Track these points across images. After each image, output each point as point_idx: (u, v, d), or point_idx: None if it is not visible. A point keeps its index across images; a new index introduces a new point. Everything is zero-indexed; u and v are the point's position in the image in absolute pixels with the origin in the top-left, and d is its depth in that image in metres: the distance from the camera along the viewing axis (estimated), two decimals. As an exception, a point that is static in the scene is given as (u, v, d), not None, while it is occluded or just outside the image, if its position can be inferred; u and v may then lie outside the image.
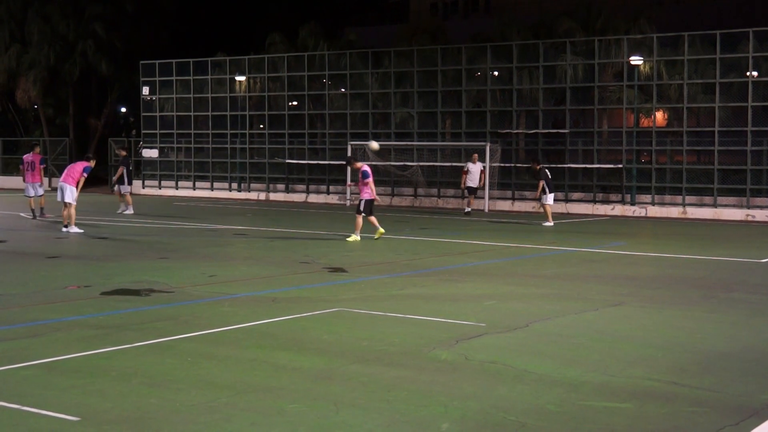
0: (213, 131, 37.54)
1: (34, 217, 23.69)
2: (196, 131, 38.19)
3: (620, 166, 29.66)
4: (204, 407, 6.41)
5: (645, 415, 6.39)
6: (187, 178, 38.46)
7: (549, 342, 8.79)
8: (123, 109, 56.70)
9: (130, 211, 25.84)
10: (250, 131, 36.85)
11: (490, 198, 30.24)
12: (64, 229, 19.87)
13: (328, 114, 35.01)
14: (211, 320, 9.72)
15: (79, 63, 45.81)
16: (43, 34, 45.87)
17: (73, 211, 19.93)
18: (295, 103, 37.22)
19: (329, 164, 34.38)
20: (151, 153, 39.18)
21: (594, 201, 30.06)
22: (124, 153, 28.13)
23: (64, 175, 20.41)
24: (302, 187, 35.58)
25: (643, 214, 28.73)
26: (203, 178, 38.13)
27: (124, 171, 26.49)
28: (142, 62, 39.59)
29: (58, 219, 21.43)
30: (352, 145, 32.01)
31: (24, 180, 24.45)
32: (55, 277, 13.01)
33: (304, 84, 35.70)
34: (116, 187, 26.89)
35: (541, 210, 25.28)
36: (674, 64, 29.69)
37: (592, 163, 30.23)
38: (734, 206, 27.98)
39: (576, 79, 30.73)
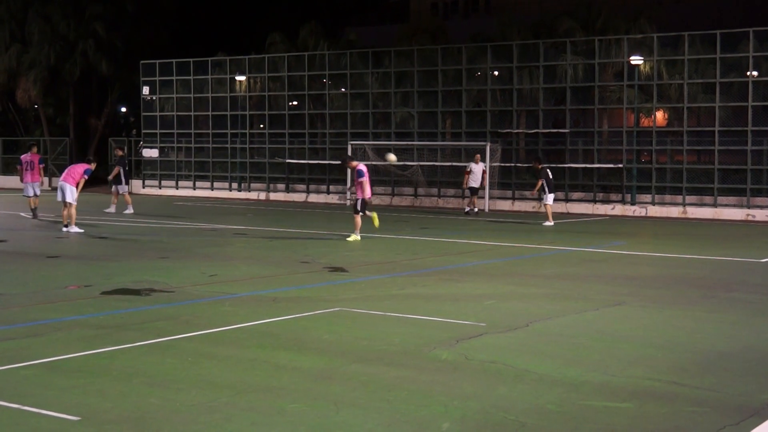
0: (213, 131, 37.52)
1: (34, 216, 23.69)
2: (196, 131, 38.17)
3: (620, 165, 29.65)
4: (204, 407, 6.41)
5: (645, 414, 6.40)
6: (187, 177, 38.45)
7: (549, 342, 8.79)
8: (123, 109, 56.65)
9: (130, 210, 25.84)
10: (251, 131, 36.84)
11: (491, 198, 30.24)
12: (65, 229, 19.88)
13: (329, 114, 35.00)
14: (211, 320, 9.72)
15: (80, 63, 45.77)
16: (43, 33, 45.83)
17: (73, 210, 19.94)
18: (295, 102, 37.22)
19: (329, 164, 34.34)
20: (151, 153, 39.17)
21: (594, 201, 30.05)
22: (121, 153, 28.10)
23: (64, 174, 20.40)
24: (302, 186, 35.56)
25: (643, 214, 28.72)
26: (203, 178, 38.11)
27: (121, 171, 26.51)
28: (142, 62, 39.58)
29: (58, 219, 21.43)
30: (352, 144, 32.01)
31: (22, 180, 24.45)
32: (56, 277, 13.01)
33: (304, 84, 35.69)
34: (114, 187, 26.90)
35: (543, 209, 25.30)
36: (674, 63, 29.67)
37: (593, 162, 30.22)
38: (734, 206, 27.96)
39: (576, 79, 30.72)
